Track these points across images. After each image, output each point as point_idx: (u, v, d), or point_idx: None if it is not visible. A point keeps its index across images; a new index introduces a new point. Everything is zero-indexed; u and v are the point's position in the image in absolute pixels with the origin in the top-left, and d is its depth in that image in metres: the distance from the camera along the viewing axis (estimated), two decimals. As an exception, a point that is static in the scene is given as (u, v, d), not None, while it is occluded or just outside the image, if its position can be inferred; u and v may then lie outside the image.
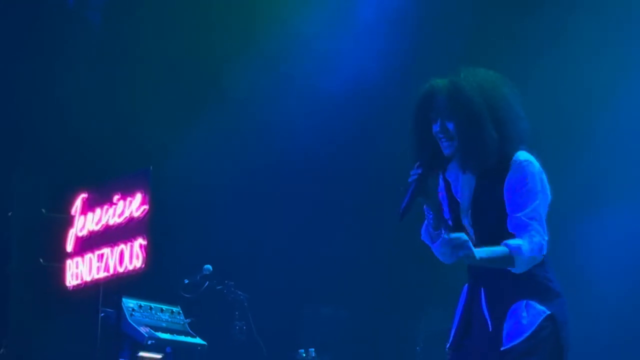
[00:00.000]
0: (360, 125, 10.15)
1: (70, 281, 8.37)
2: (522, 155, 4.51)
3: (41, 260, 8.74)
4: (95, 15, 10.47)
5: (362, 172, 10.05)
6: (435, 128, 4.54)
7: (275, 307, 8.83)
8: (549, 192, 4.62)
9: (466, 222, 4.67)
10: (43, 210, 8.98)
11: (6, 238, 9.80)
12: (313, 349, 8.16)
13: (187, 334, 8.40)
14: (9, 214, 9.65)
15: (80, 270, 8.33)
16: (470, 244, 4.36)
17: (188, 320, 8.51)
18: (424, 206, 4.75)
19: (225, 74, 10.24)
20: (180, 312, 8.54)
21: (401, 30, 10.38)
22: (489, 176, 4.56)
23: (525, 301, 4.58)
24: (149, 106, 9.68)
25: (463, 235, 4.36)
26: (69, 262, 8.38)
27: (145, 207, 7.73)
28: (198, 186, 9.76)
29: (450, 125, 4.52)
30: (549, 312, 4.54)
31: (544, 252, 4.54)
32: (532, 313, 4.63)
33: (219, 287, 8.14)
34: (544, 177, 4.59)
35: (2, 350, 9.53)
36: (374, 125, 10.02)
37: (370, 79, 10.15)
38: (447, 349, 4.80)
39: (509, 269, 4.49)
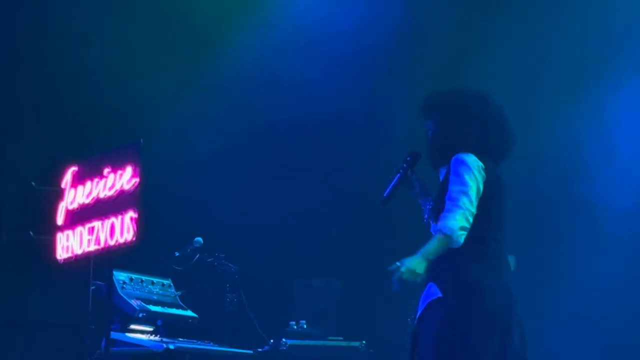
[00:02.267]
0: (355, 93, 10.00)
1: (61, 254, 8.17)
2: (459, 155, 5.15)
3: (31, 233, 8.60)
4: None
5: (355, 141, 10.00)
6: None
7: (266, 279, 8.87)
8: (469, 180, 5.16)
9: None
10: (33, 184, 8.71)
11: None
12: (304, 321, 8.17)
13: (178, 307, 8.42)
14: None
15: (70, 244, 8.14)
16: (403, 264, 5.05)
17: (179, 293, 8.50)
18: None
19: (220, 41, 9.96)
20: (171, 284, 8.54)
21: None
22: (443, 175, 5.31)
23: (430, 283, 5.22)
24: (140, 76, 9.58)
25: (397, 265, 5.05)
26: (59, 235, 8.18)
27: (136, 179, 7.52)
28: (189, 158, 9.69)
29: (429, 125, 5.47)
30: (440, 296, 5.13)
31: (472, 221, 5.15)
32: (428, 293, 5.28)
33: (209, 260, 8.15)
34: (474, 167, 5.19)
35: None
36: (369, 94, 9.93)
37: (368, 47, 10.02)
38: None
39: (454, 245, 5.07)
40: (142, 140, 7.44)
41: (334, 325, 8.10)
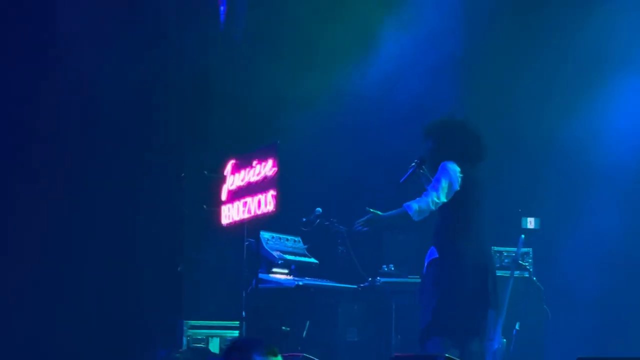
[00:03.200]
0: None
1: (224, 221, 8.79)
2: (444, 162, 6.30)
3: (204, 206, 9.17)
4: (238, 33, 10.26)
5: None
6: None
7: (365, 235, 9.02)
8: (448, 178, 6.30)
9: None
10: (205, 172, 9.27)
11: (181, 192, 10.03)
12: (392, 265, 8.52)
13: (305, 256, 8.86)
14: (182, 175, 9.91)
15: (231, 213, 8.70)
16: (370, 215, 6.75)
17: (306, 246, 8.92)
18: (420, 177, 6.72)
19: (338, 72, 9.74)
20: (300, 240, 8.97)
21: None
22: None
23: (432, 247, 6.36)
24: (280, 91, 9.70)
25: (369, 214, 6.69)
26: (223, 207, 8.73)
27: (275, 168, 8.05)
28: (313, 153, 9.71)
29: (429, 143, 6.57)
30: (436, 255, 6.27)
31: (433, 207, 6.30)
32: (430, 254, 6.40)
33: (326, 223, 8.33)
34: (451, 171, 6.31)
35: (180, 267, 9.92)
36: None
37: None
38: None
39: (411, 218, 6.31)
40: (279, 142, 7.99)
41: (414, 267, 8.18)
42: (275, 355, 3.41)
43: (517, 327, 7.69)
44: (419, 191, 6.67)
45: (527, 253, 8.29)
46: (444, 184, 6.21)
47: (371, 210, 6.80)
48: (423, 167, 6.77)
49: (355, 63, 9.81)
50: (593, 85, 9.18)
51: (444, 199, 6.16)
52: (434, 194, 6.17)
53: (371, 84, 9.64)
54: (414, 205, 6.23)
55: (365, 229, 6.88)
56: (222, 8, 9.90)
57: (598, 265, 8.86)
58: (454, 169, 6.23)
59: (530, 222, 8.72)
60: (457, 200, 6.29)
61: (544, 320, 8.16)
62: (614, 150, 9.17)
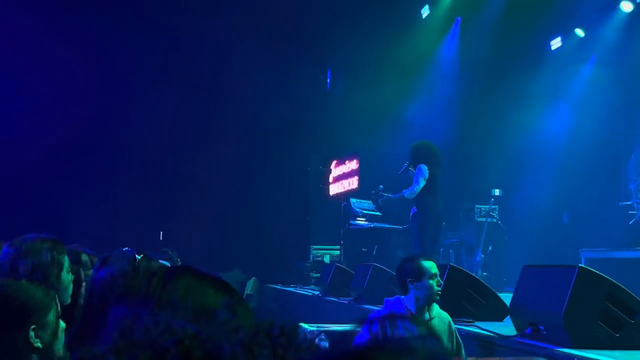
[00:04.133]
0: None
1: (331, 193, 10.23)
2: (420, 164, 7.14)
3: (320, 185, 10.62)
4: (338, 91, 11.13)
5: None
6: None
7: (386, 207, 8.64)
8: (422, 176, 6.93)
9: None
10: (320, 167, 10.60)
11: (308, 178, 11.31)
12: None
13: (374, 211, 9.29)
14: (308, 169, 11.30)
15: (334, 190, 10.12)
16: (387, 199, 7.08)
17: (374, 206, 9.24)
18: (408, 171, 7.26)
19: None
20: (371, 203, 9.31)
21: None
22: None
23: (413, 207, 7.19)
24: (362, 126, 10.07)
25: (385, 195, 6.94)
26: (331, 186, 10.25)
27: (357, 165, 9.45)
28: (374, 156, 9.64)
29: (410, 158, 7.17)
30: (416, 210, 7.18)
31: (414, 194, 6.95)
32: (413, 210, 7.28)
33: (385, 195, 7.98)
34: (424, 170, 6.98)
35: (308, 217, 10.68)
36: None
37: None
38: None
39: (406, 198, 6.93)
40: (359, 151, 9.54)
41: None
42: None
43: (490, 248, 8.57)
44: (406, 179, 7.46)
45: (495, 208, 8.98)
46: (421, 179, 7.08)
47: (385, 194, 7.62)
48: (410, 166, 7.46)
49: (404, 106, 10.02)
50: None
51: (421, 186, 7.09)
52: (417, 186, 7.07)
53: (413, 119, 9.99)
54: (407, 192, 7.18)
55: (382, 204, 7.88)
56: (328, 79, 11.22)
57: (535, 214, 9.24)
58: (426, 169, 7.19)
59: (497, 191, 9.15)
60: (426, 184, 7.11)
61: (505, 246, 8.98)
62: (547, 143, 9.60)
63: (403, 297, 3.85)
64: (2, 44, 9.59)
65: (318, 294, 7.80)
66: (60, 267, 2.61)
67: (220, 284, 1.33)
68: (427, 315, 3.77)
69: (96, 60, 10.03)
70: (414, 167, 7.26)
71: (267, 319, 0.90)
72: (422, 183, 6.97)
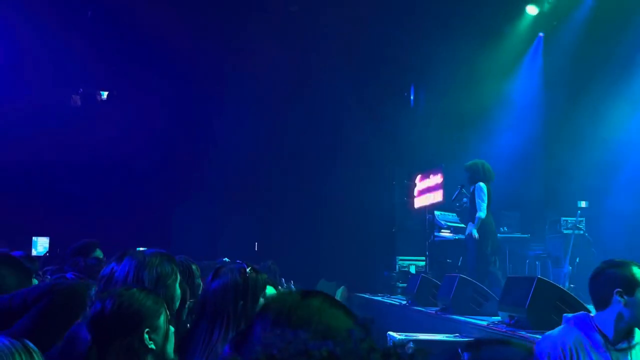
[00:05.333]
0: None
1: (416, 206, 10.45)
2: (478, 183, 7.31)
3: (405, 198, 10.83)
4: (421, 106, 11.29)
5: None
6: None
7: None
8: (485, 190, 7.11)
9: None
10: (405, 181, 10.87)
11: (393, 191, 11.64)
12: None
13: (457, 223, 9.25)
14: (393, 182, 11.46)
15: (419, 203, 10.43)
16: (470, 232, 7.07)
17: (458, 218, 9.37)
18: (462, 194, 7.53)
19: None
20: (455, 215, 9.50)
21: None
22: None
23: (470, 223, 7.36)
24: (445, 144, 10.17)
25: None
26: (415, 199, 10.47)
27: (441, 179, 9.68)
28: (457, 169, 8.82)
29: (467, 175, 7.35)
30: (473, 226, 7.32)
31: (485, 211, 7.21)
32: (468, 228, 7.44)
33: (465, 198, 8.23)
34: (484, 187, 7.20)
35: (394, 229, 10.74)
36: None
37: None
38: None
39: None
40: (443, 164, 9.71)
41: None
42: None
43: (577, 260, 8.33)
44: (459, 204, 7.80)
45: (581, 220, 8.81)
46: (484, 196, 7.30)
47: (465, 197, 7.78)
48: (463, 189, 7.86)
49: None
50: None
51: (487, 203, 7.36)
52: (484, 204, 7.32)
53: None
54: (480, 214, 7.38)
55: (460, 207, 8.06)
56: (411, 95, 11.41)
57: (623, 227, 8.76)
58: (484, 186, 7.44)
59: (583, 203, 9.04)
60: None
61: (592, 258, 8.28)
62: (634, 154, 9.13)
63: (595, 314, 2.94)
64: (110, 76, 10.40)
65: (405, 304, 7.94)
66: (176, 277, 2.75)
67: (348, 309, 1.40)
68: (625, 344, 2.85)
69: (201, 84, 10.70)
70: (470, 186, 7.46)
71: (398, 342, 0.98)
72: (486, 199, 7.16)
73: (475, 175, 7.42)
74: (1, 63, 9.81)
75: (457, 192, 7.76)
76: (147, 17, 9.25)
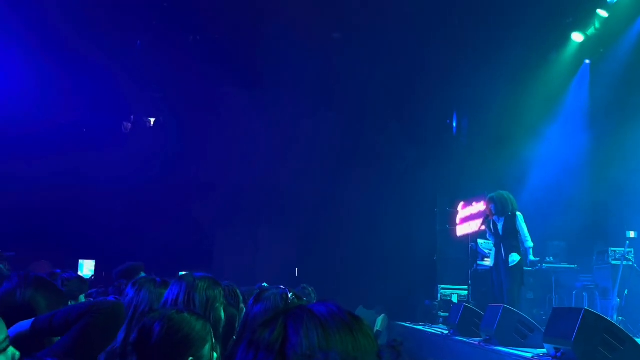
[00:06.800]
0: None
1: (459, 234, 10.23)
2: (518, 214, 7.30)
3: (447, 226, 10.56)
4: (464, 134, 11.20)
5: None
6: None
7: None
8: (522, 218, 7.18)
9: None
10: (447, 208, 10.61)
11: (435, 218, 11.19)
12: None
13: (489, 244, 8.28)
14: (435, 209, 11.25)
15: (461, 230, 10.08)
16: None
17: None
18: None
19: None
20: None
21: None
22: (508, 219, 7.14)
23: (512, 253, 7.21)
24: (485, 170, 10.10)
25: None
26: (458, 227, 10.26)
27: (484, 207, 8.43)
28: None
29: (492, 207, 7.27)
30: (518, 257, 7.23)
31: (529, 239, 7.25)
32: (511, 260, 7.28)
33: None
34: (521, 216, 7.21)
35: (435, 257, 10.38)
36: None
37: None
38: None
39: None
40: (486, 192, 8.56)
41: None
42: None
43: (625, 292, 8.02)
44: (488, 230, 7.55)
45: (630, 251, 8.48)
46: (524, 225, 7.37)
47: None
48: (489, 219, 7.62)
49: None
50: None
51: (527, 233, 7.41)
52: (527, 233, 7.33)
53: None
54: (528, 244, 7.43)
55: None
56: (454, 123, 11.32)
57: None
58: (521, 216, 7.50)
59: (632, 234, 8.71)
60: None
61: None
62: None
63: None
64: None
65: (447, 333, 7.81)
66: (222, 301, 2.76)
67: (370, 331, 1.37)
68: None
69: (243, 111, 10.81)
70: (500, 214, 7.32)
71: None
72: (526, 230, 7.10)
73: (506, 207, 7.34)
74: (56, 90, 10.15)
75: (483, 223, 7.60)
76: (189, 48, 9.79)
